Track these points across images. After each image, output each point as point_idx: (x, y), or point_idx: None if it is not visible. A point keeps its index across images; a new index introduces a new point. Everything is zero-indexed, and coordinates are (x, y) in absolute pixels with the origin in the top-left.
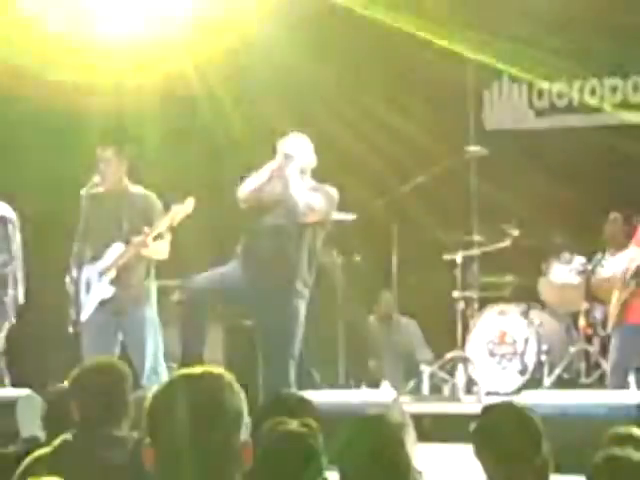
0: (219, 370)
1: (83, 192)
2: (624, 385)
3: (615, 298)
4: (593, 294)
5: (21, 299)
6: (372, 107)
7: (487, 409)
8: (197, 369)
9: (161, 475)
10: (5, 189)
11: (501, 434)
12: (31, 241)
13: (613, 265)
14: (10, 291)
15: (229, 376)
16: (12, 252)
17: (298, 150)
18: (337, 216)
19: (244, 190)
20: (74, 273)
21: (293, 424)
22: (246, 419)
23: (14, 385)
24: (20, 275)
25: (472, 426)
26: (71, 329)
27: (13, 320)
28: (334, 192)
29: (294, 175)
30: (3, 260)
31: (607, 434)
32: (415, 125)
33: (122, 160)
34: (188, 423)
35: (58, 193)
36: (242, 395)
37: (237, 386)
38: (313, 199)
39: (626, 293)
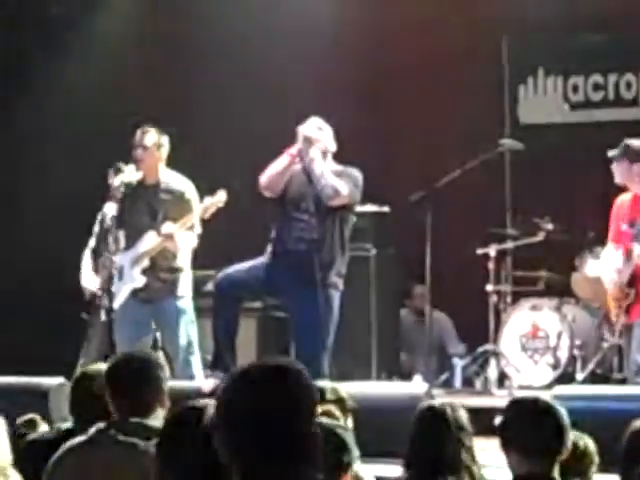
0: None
1: (117, 182)
2: None
3: (615, 304)
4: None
5: None
6: (409, 98)
7: (512, 403)
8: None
9: None
10: None
11: (525, 428)
12: None
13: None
14: None
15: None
16: None
17: (319, 134)
18: (372, 208)
19: (265, 177)
20: (106, 261)
21: (325, 417)
22: None
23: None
24: None
25: (497, 419)
26: (104, 317)
27: None
28: (358, 174)
29: (317, 158)
30: None
31: (630, 428)
32: (451, 119)
33: (161, 147)
34: None
35: None
36: None
37: None
38: (338, 182)
39: (629, 300)
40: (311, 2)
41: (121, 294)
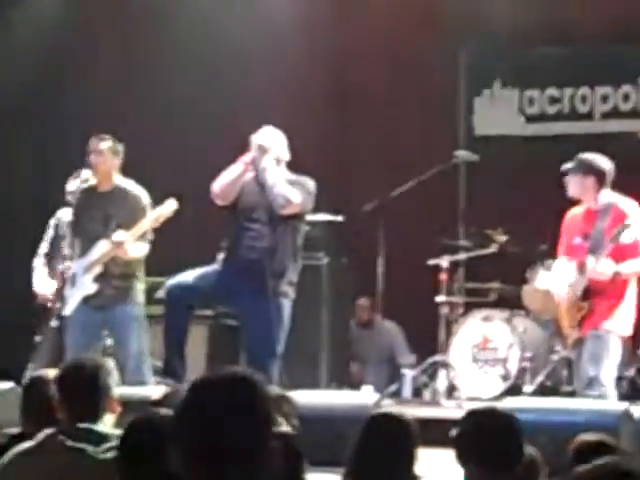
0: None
1: (73, 187)
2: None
3: (568, 317)
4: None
5: None
6: (364, 109)
7: (469, 414)
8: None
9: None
10: None
11: (483, 438)
12: None
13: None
14: None
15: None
16: None
17: (272, 142)
18: (325, 217)
19: (218, 185)
20: (60, 267)
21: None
22: None
23: None
24: None
25: (454, 431)
26: (54, 322)
27: None
28: (311, 183)
29: (270, 167)
30: None
31: (574, 441)
32: (407, 130)
33: (115, 154)
34: None
35: None
36: None
37: None
38: (290, 191)
39: (582, 313)
40: (272, 14)
41: (73, 300)
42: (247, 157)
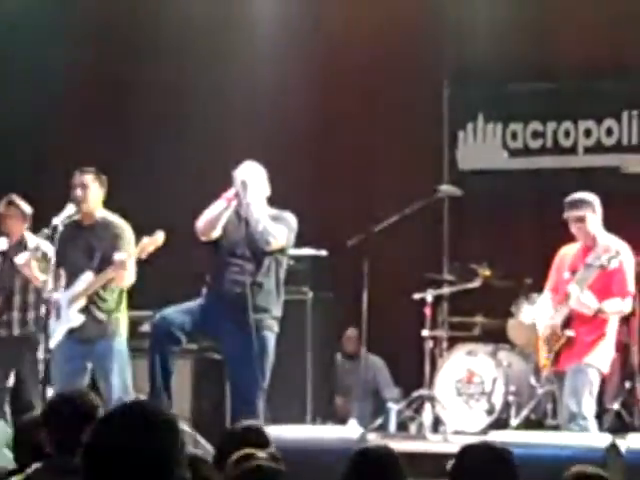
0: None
1: (57, 221)
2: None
3: (546, 347)
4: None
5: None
6: (348, 144)
7: (466, 448)
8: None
9: None
10: None
11: (479, 473)
12: None
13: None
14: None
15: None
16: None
17: (254, 177)
18: (310, 252)
19: (202, 222)
20: (52, 296)
21: (262, 457)
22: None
23: None
24: None
25: (450, 464)
26: (41, 355)
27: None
28: (293, 218)
29: (253, 202)
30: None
31: (569, 472)
32: (391, 164)
33: (100, 187)
34: None
35: None
36: None
37: None
38: (273, 226)
39: (560, 343)
40: (252, 46)
41: (57, 333)
42: (230, 193)
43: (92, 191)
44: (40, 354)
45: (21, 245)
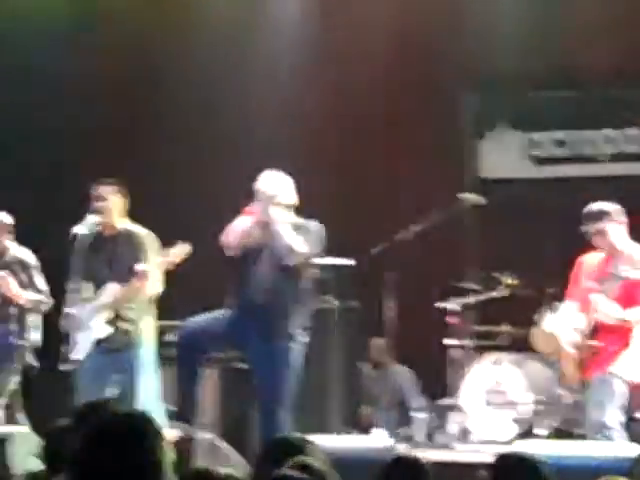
0: None
1: (77, 231)
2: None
3: (571, 356)
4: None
5: (40, 342)
6: (371, 153)
7: (501, 458)
8: None
9: None
10: None
11: None
12: None
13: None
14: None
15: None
16: (44, 293)
17: (278, 189)
18: (335, 261)
19: (227, 236)
20: (69, 311)
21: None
22: None
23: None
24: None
25: (483, 473)
26: (62, 366)
27: (35, 364)
28: (319, 227)
29: (276, 217)
30: (35, 300)
31: None
32: (414, 173)
33: (120, 198)
34: None
35: None
36: None
37: None
38: (298, 240)
39: (585, 352)
40: (272, 58)
41: (83, 344)
42: (253, 207)
43: (112, 202)
44: (60, 365)
45: (1, 258)
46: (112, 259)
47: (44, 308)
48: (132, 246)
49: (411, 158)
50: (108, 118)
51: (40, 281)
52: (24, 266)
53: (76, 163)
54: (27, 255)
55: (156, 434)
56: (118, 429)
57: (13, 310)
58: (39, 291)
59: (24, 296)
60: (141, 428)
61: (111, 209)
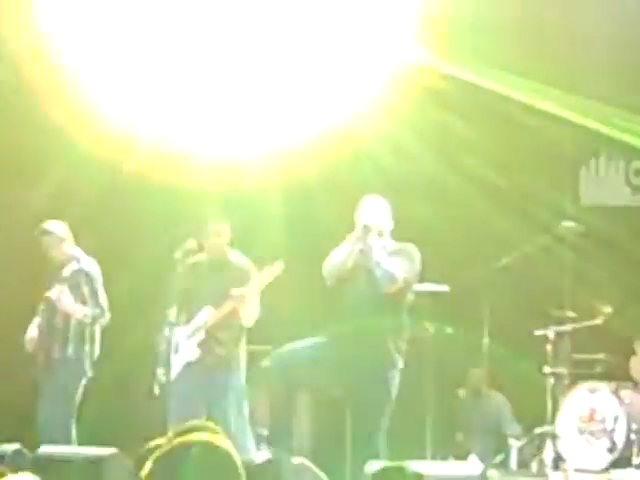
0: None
1: (179, 255)
2: None
3: None
4: None
5: (96, 354)
6: (467, 179)
7: None
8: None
9: None
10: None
11: None
12: None
13: None
14: (87, 347)
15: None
16: (103, 307)
17: (375, 217)
18: (431, 287)
19: (328, 267)
20: (166, 333)
21: None
22: None
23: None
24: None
25: None
26: (157, 389)
27: (89, 374)
28: (415, 252)
29: (375, 246)
30: (94, 314)
31: None
32: (512, 199)
33: (229, 231)
34: None
35: None
36: None
37: None
38: (395, 268)
39: None
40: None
41: (175, 367)
42: (353, 237)
43: (225, 236)
44: (156, 389)
45: (62, 270)
46: (217, 288)
47: (102, 323)
48: (233, 272)
49: (512, 185)
50: None
51: (102, 295)
52: (87, 278)
53: None
54: (91, 267)
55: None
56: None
57: (74, 323)
58: (99, 305)
59: (81, 311)
60: (222, 464)
61: (224, 241)
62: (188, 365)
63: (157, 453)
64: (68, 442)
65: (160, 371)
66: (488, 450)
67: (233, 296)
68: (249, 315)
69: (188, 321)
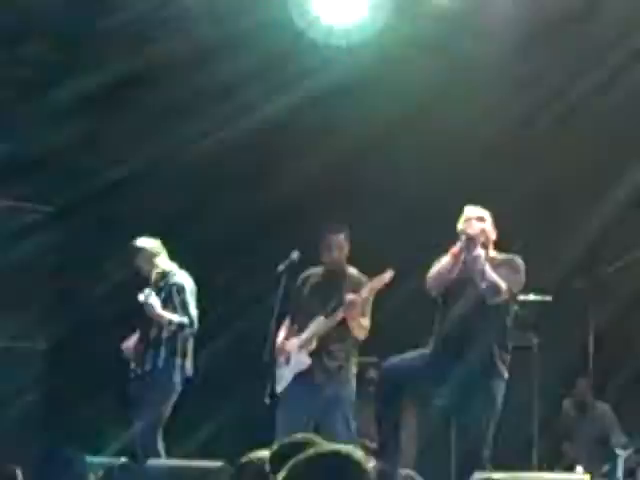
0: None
1: (282, 268)
2: None
3: None
4: None
5: (190, 371)
6: (569, 184)
7: None
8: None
9: None
10: None
11: None
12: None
13: None
14: (178, 360)
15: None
16: (192, 318)
17: (480, 227)
18: (535, 297)
19: (431, 278)
20: (280, 345)
21: None
22: None
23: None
24: (191, 347)
25: None
26: (267, 400)
27: (179, 388)
28: (520, 262)
29: (479, 257)
30: (181, 322)
31: None
32: (618, 203)
33: (348, 242)
34: None
35: None
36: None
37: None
38: (499, 280)
39: None
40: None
41: (286, 378)
42: (456, 248)
43: (345, 246)
44: (266, 400)
45: (157, 284)
46: (327, 296)
47: (188, 332)
48: (350, 286)
49: (614, 188)
50: None
51: (192, 306)
52: (178, 289)
53: None
54: (184, 279)
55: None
56: (325, 468)
57: (165, 335)
58: (189, 315)
59: (167, 317)
60: (349, 467)
61: (344, 252)
62: (298, 376)
63: (293, 461)
64: (156, 455)
65: (269, 382)
66: (595, 460)
67: (345, 304)
68: (360, 326)
69: (299, 331)
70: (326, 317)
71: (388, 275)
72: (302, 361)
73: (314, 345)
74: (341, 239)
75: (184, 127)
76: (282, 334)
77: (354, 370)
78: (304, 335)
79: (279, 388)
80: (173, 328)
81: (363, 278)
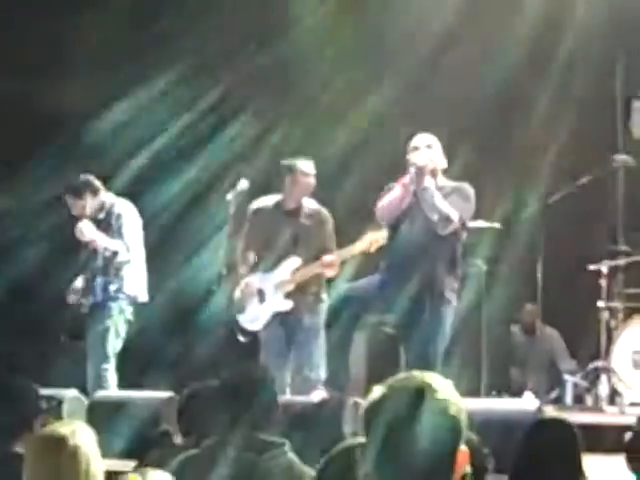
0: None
1: (256, 206)
2: None
3: None
4: None
5: (143, 297)
6: (519, 114)
7: None
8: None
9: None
10: None
11: None
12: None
13: None
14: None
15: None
16: (127, 245)
17: (428, 158)
18: (483, 224)
19: (380, 208)
20: (248, 280)
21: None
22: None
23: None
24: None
25: (628, 435)
26: (241, 338)
27: (126, 316)
28: (470, 190)
29: (429, 187)
30: (116, 248)
31: None
32: (564, 134)
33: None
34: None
35: None
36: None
37: None
38: (450, 210)
39: None
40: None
41: (263, 317)
42: (406, 178)
43: (305, 184)
44: (239, 337)
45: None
46: (295, 235)
47: (121, 259)
48: (319, 225)
49: (563, 119)
50: None
51: (128, 234)
52: (117, 218)
53: None
54: (125, 208)
55: None
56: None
57: (99, 262)
58: (124, 243)
59: (100, 241)
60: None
61: (304, 190)
62: (277, 314)
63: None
64: (106, 387)
65: (241, 317)
66: (543, 386)
67: (323, 262)
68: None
69: (268, 269)
70: (303, 262)
71: (384, 234)
72: (280, 302)
73: (292, 286)
74: (311, 181)
75: None
76: (243, 269)
77: (326, 299)
78: (279, 276)
79: (256, 326)
80: (107, 254)
81: (328, 218)
